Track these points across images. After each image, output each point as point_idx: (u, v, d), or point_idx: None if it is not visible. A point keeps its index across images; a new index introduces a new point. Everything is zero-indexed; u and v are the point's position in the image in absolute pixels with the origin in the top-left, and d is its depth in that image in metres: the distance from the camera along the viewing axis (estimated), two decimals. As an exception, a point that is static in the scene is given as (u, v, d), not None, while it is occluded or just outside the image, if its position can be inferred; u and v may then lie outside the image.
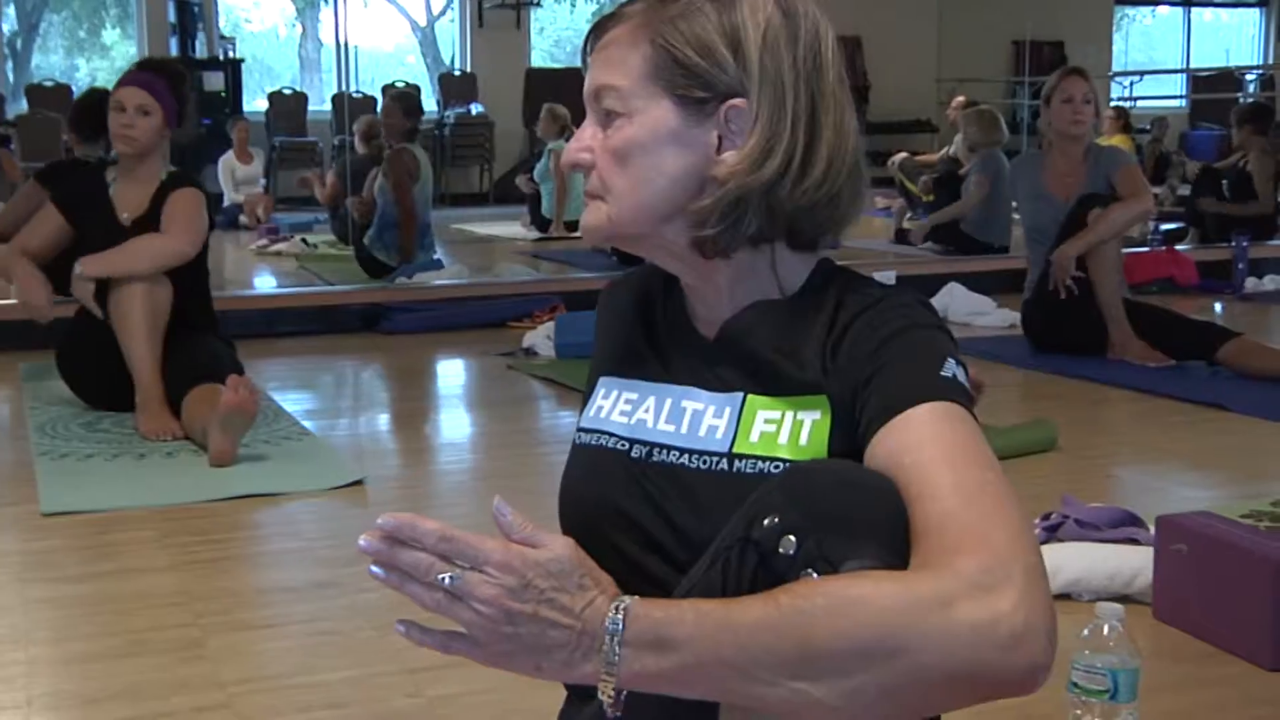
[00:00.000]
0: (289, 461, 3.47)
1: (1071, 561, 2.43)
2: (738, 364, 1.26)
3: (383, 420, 4.36)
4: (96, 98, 4.86)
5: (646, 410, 1.29)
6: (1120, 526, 2.56)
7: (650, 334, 1.34)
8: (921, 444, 1.09)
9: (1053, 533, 2.56)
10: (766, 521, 1.06)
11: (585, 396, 1.40)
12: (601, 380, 1.36)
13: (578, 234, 8.40)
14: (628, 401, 1.31)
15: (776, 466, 1.19)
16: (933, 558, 1.00)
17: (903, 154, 9.11)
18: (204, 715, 2.01)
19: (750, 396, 1.24)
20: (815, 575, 1.03)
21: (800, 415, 1.20)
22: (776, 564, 1.05)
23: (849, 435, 1.17)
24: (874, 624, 0.96)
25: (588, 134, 1.25)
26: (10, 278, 4.01)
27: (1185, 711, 2.00)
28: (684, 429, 1.26)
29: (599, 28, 1.27)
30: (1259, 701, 2.03)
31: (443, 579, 1.03)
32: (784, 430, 1.21)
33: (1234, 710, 2.01)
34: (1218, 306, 6.36)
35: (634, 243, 1.27)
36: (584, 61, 1.28)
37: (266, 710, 2.02)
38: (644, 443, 1.28)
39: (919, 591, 0.97)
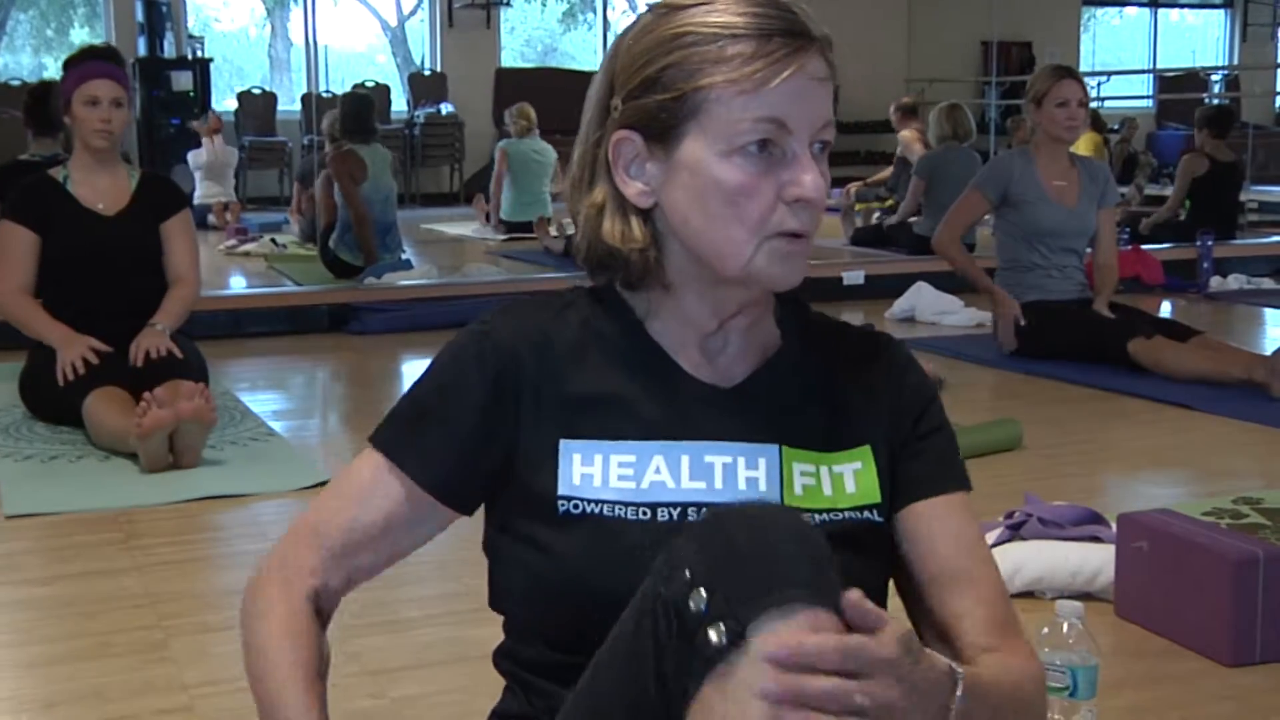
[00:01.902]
0: (255, 463, 3.46)
1: (1034, 559, 2.45)
2: (769, 414, 1.21)
3: (350, 421, 4.35)
4: (50, 90, 4.80)
5: (658, 471, 1.18)
6: (1083, 525, 2.57)
7: (624, 384, 1.21)
8: (965, 526, 1.26)
9: (1016, 531, 2.57)
10: (678, 575, 1.00)
11: (460, 456, 1.22)
12: (565, 445, 1.19)
13: (555, 235, 8.45)
14: (624, 465, 1.18)
15: (830, 515, 1.18)
16: (1008, 642, 1.21)
17: (854, 185, 9.15)
18: (166, 718, 2.01)
19: (785, 449, 1.20)
20: (724, 630, 0.96)
21: (837, 469, 1.21)
22: (689, 620, 0.99)
23: (888, 478, 1.23)
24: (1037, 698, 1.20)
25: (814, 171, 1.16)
26: (38, 334, 3.83)
27: (1145, 707, 2.02)
28: (718, 484, 1.17)
29: (807, 47, 1.17)
30: (1218, 698, 2.05)
31: (862, 702, 0.93)
32: (824, 483, 1.20)
33: (1193, 706, 2.03)
34: (1167, 306, 6.41)
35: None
36: (777, 66, 1.14)
37: (229, 712, 2.02)
38: (671, 505, 1.16)
39: (1041, 672, 1.24)
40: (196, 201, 10.05)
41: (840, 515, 1.19)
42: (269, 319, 5.77)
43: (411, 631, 2.33)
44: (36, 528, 2.96)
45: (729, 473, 1.18)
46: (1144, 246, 7.05)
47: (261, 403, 4.28)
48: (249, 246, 8.39)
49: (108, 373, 3.67)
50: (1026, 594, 2.42)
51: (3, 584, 2.62)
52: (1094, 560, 2.43)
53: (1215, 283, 6.74)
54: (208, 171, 10.24)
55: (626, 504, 1.17)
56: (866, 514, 1.21)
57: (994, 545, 2.53)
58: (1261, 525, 2.76)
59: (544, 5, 15.40)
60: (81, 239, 3.87)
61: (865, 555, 1.20)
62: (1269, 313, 6.28)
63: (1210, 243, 6.76)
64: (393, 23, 14.92)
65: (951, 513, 1.25)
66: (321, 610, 1.25)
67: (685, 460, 1.18)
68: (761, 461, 1.19)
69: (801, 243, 1.17)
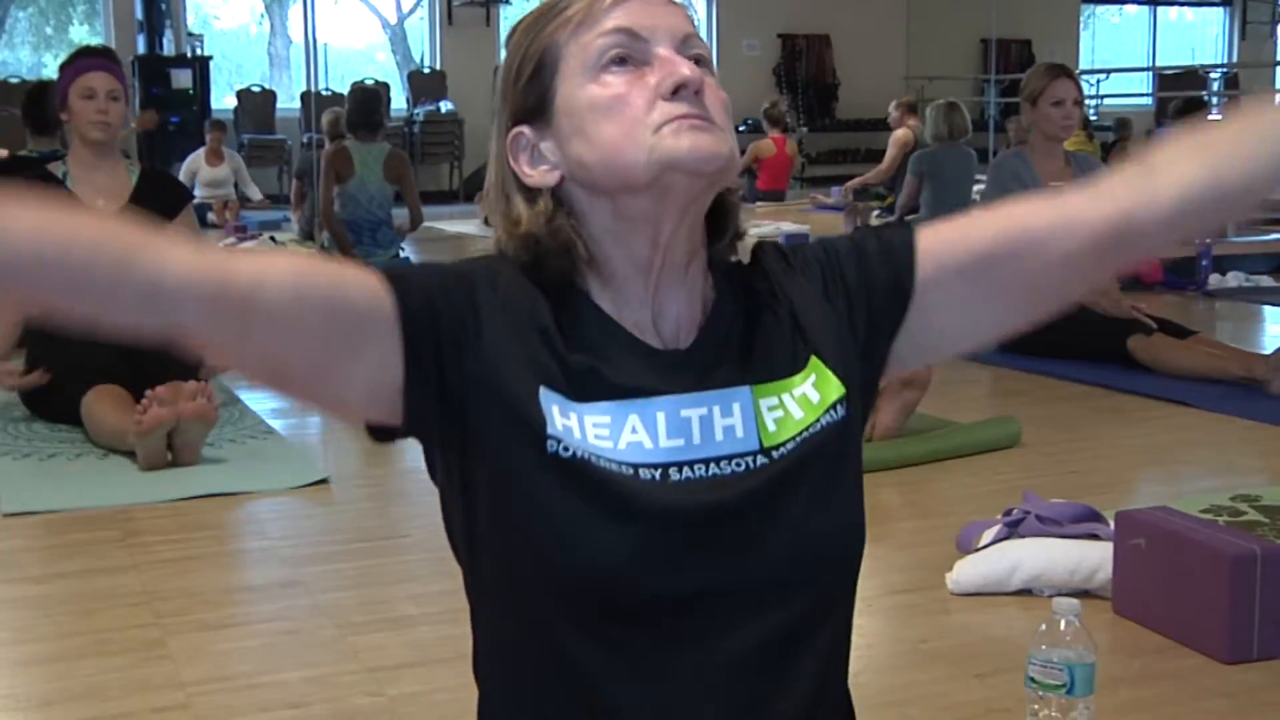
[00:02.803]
0: (253, 460, 3.46)
1: (1032, 557, 2.45)
2: (730, 361, 1.21)
3: (349, 419, 4.35)
4: (47, 90, 4.81)
5: (634, 431, 1.15)
6: (1081, 522, 2.57)
7: (591, 351, 1.18)
8: (957, 223, 1.24)
9: (1014, 528, 2.57)
10: None
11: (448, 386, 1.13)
12: (545, 393, 1.14)
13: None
14: (599, 425, 1.15)
15: (806, 433, 1.18)
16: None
17: (851, 185, 9.14)
18: (164, 715, 2.01)
19: (754, 388, 1.20)
20: None
21: (798, 391, 1.20)
22: None
23: (851, 343, 1.22)
24: None
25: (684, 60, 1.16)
26: None
27: (1142, 704, 2.02)
28: (696, 439, 1.16)
29: None
30: (1214, 694, 2.05)
31: None
32: (791, 409, 1.20)
33: (1189, 703, 2.03)
34: (1166, 304, 6.40)
35: (712, 189, 1.19)
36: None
37: (227, 710, 2.02)
38: (652, 465, 1.14)
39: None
40: (196, 201, 10.05)
41: (816, 427, 1.19)
42: (268, 317, 5.76)
43: (410, 629, 2.33)
44: (34, 525, 2.96)
45: (705, 425, 1.17)
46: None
47: (260, 400, 4.28)
48: (248, 244, 8.38)
49: (105, 371, 3.67)
50: (1024, 591, 2.42)
51: (0, 582, 2.62)
52: (1092, 558, 2.43)
53: (1214, 280, 6.73)
54: (205, 184, 10.26)
55: (609, 459, 1.14)
56: (838, 409, 1.20)
57: (992, 543, 2.54)
58: (1260, 522, 2.76)
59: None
60: None
61: (843, 457, 1.21)
62: (1268, 310, 6.28)
63: (1209, 241, 6.76)
64: (392, 20, 14.91)
65: (934, 229, 1.25)
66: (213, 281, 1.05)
67: (661, 417, 1.16)
68: (735, 407, 1.18)
69: (701, 121, 1.15)
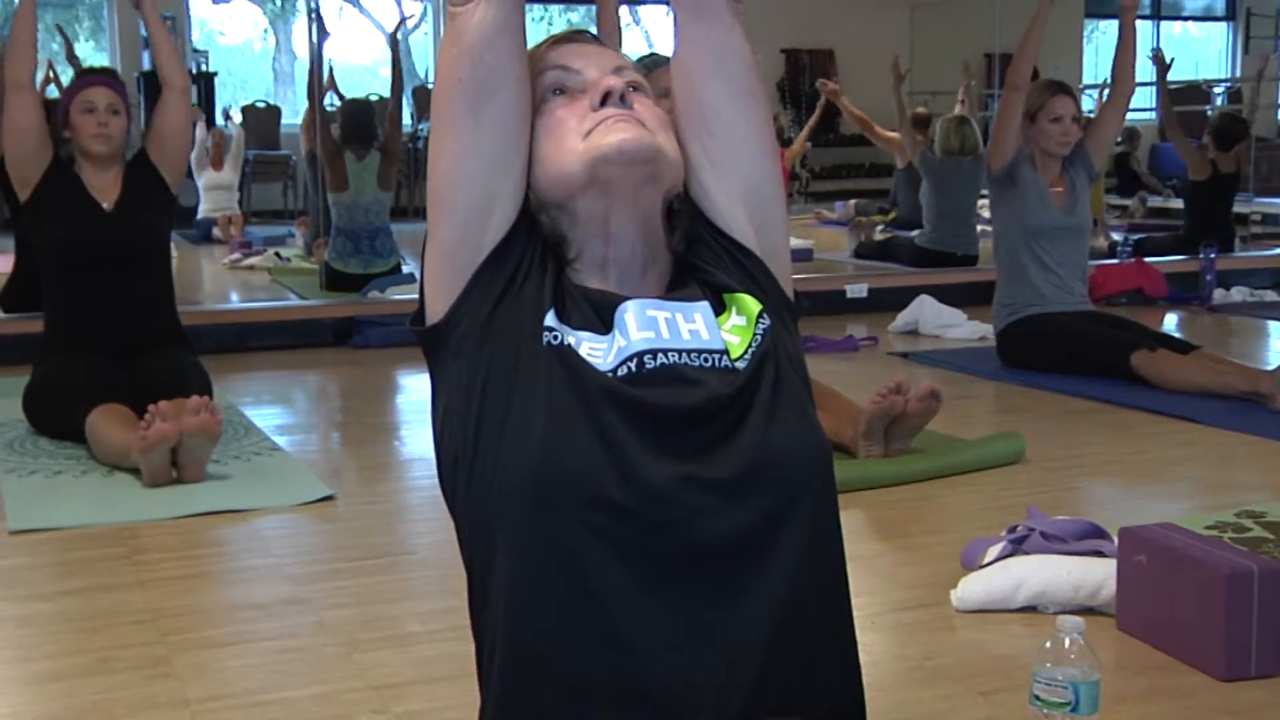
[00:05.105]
0: (258, 478, 3.46)
1: (1037, 574, 2.45)
2: (688, 297, 1.37)
3: (354, 435, 4.35)
4: (51, 110, 4.83)
5: (617, 342, 1.31)
6: (1085, 539, 2.57)
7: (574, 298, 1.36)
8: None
9: (1018, 545, 2.57)
10: None
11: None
12: (551, 315, 1.33)
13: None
14: (595, 348, 1.31)
15: (751, 349, 1.32)
16: None
17: (854, 201, 9.18)
18: (169, 733, 2.01)
19: (713, 306, 1.36)
20: None
21: (727, 324, 1.35)
22: None
23: (733, 263, 1.39)
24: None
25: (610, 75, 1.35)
26: None
27: (1147, 723, 2.02)
28: (665, 334, 1.32)
29: (580, 36, 1.43)
30: (1216, 712, 2.05)
31: None
32: (730, 338, 1.34)
33: (1194, 721, 2.03)
34: (1170, 319, 6.41)
35: (653, 183, 1.33)
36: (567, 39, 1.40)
37: (232, 728, 2.02)
38: (628, 359, 1.30)
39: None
40: (201, 215, 10.08)
41: (758, 340, 1.33)
42: (272, 333, 5.78)
43: (414, 646, 2.33)
44: (40, 543, 2.96)
45: (671, 325, 1.32)
46: (1147, 259, 7.04)
47: (265, 417, 4.29)
48: (253, 260, 8.39)
49: (110, 389, 3.67)
50: (1029, 608, 2.42)
51: (6, 599, 2.62)
52: (1096, 574, 2.43)
53: (1218, 295, 6.73)
54: (209, 189, 10.25)
55: (593, 365, 1.29)
56: (764, 318, 1.36)
57: (996, 559, 2.54)
58: (1265, 539, 2.76)
59: (547, 22, 15.43)
60: (84, 231, 3.89)
61: (785, 367, 1.34)
62: (1273, 325, 6.28)
63: (1213, 255, 6.75)
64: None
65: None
66: None
67: (630, 318, 1.31)
68: (697, 316, 1.33)
69: (628, 116, 1.31)
